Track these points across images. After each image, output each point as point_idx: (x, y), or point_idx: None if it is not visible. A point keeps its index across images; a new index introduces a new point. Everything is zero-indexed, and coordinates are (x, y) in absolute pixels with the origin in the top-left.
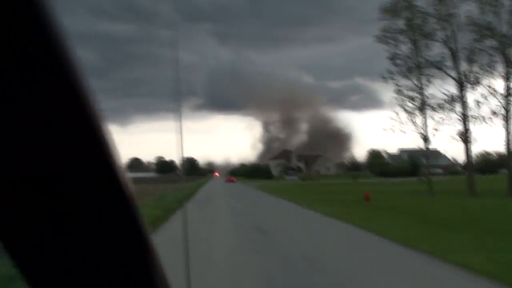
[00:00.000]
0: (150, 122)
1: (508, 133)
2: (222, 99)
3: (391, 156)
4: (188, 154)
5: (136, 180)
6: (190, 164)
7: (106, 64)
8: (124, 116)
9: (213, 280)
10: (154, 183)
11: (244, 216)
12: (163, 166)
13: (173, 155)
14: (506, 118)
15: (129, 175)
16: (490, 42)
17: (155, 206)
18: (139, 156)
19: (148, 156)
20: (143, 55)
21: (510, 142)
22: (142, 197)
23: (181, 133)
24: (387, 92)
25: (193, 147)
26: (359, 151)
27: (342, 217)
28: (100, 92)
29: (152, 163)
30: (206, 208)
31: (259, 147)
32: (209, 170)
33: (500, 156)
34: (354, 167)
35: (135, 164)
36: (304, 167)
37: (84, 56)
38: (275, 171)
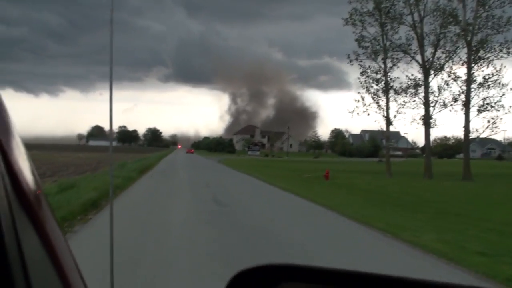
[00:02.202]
0: (113, 90)
1: (467, 119)
2: (190, 71)
3: (353, 136)
4: (153, 124)
5: (98, 148)
6: (153, 134)
7: (72, 29)
8: (87, 83)
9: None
10: (117, 152)
11: (204, 189)
12: (125, 136)
13: (136, 125)
14: (466, 105)
15: (91, 143)
16: (454, 29)
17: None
18: (101, 124)
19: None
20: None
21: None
22: (103, 165)
23: (110, 100)
24: (354, 73)
25: (159, 118)
26: (323, 130)
27: (301, 193)
28: (63, 57)
29: (114, 132)
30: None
31: (227, 119)
32: (172, 142)
33: (458, 141)
34: (317, 145)
35: (97, 132)
36: (267, 143)
37: (49, 19)
38: (238, 146)
